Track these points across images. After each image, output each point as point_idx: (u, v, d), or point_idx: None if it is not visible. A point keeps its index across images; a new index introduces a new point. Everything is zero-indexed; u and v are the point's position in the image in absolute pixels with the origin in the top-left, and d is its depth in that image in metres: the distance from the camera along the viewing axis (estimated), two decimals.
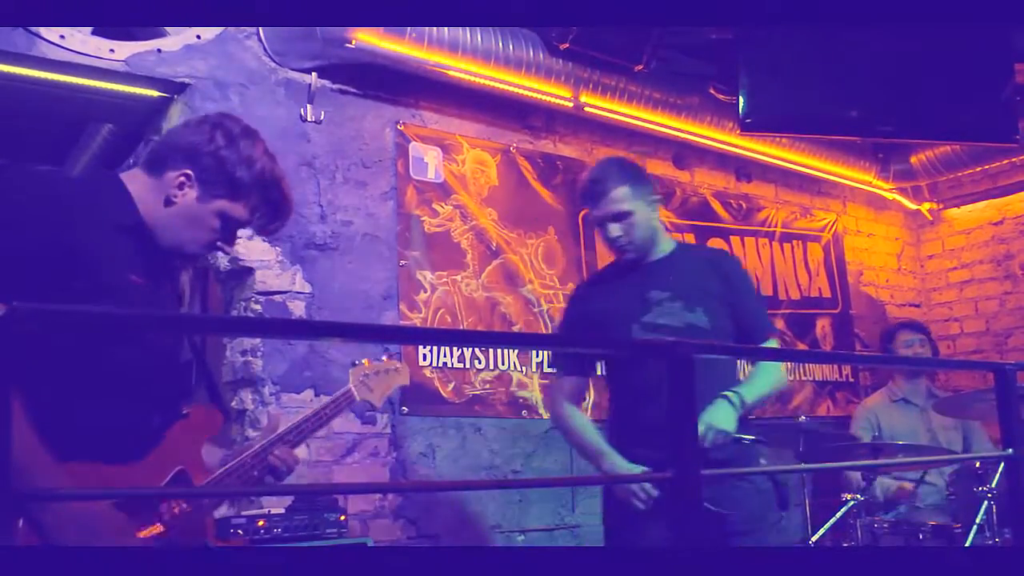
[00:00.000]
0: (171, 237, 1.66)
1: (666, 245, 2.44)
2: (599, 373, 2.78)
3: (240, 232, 1.75)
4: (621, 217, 2.32)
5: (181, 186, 1.64)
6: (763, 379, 2.36)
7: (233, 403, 3.17)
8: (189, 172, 1.64)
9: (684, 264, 2.40)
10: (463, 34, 3.44)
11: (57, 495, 1.33)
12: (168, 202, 1.64)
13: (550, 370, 2.62)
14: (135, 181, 1.67)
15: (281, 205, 1.74)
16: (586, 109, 3.91)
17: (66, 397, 1.45)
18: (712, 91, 4.19)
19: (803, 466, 3.54)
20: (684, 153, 4.59)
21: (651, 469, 2.19)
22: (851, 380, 5.10)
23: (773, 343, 2.49)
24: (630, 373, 2.37)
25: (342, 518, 2.85)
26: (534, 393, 3.74)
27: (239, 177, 1.65)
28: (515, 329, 3.70)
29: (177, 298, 1.79)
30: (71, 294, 1.46)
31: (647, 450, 2.20)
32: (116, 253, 1.57)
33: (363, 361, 2.16)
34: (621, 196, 2.31)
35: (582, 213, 2.50)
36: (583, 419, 2.48)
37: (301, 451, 1.83)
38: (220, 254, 3.19)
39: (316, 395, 3.21)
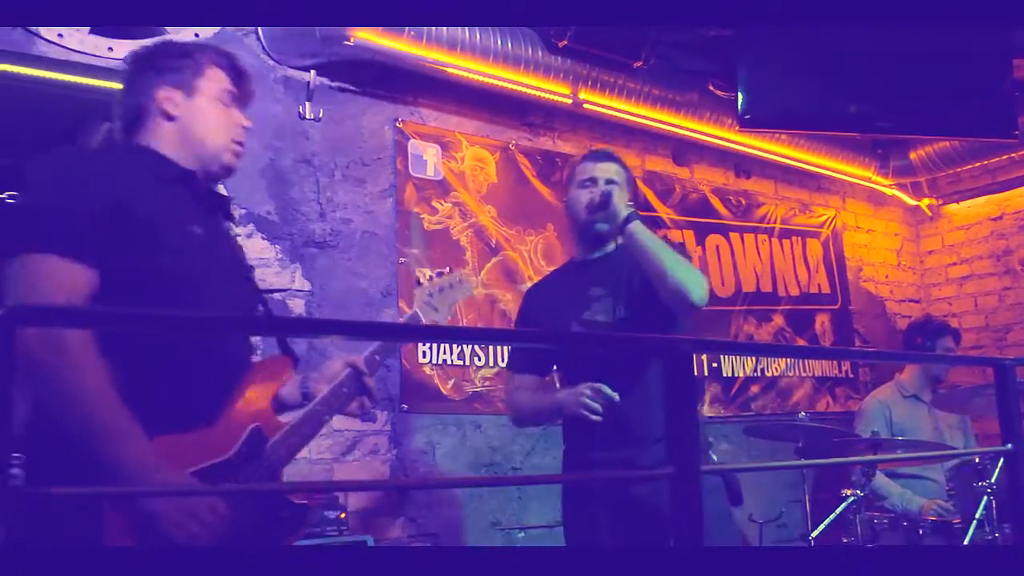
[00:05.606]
0: (208, 147, 1.68)
1: (612, 245, 2.47)
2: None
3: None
4: (608, 182, 2.40)
5: (169, 99, 1.67)
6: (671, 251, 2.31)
7: None
8: (163, 85, 1.67)
9: (623, 261, 2.40)
10: (461, 31, 3.44)
11: (66, 492, 1.32)
12: (170, 117, 1.67)
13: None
14: (145, 140, 1.68)
15: (230, 57, 1.77)
16: (585, 106, 3.90)
17: (133, 370, 1.43)
18: (711, 87, 4.19)
19: (803, 462, 3.54)
20: (683, 149, 4.59)
21: (605, 470, 2.22)
22: (851, 376, 5.10)
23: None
24: (585, 372, 2.32)
25: (342, 516, 2.85)
26: None
27: (187, 62, 1.70)
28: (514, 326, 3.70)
29: (235, 242, 1.81)
30: (138, 259, 1.47)
31: (605, 452, 2.21)
32: (173, 208, 1.57)
33: (419, 275, 2.00)
34: (616, 170, 2.45)
35: (568, 173, 2.57)
36: (528, 392, 2.47)
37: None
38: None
39: None
